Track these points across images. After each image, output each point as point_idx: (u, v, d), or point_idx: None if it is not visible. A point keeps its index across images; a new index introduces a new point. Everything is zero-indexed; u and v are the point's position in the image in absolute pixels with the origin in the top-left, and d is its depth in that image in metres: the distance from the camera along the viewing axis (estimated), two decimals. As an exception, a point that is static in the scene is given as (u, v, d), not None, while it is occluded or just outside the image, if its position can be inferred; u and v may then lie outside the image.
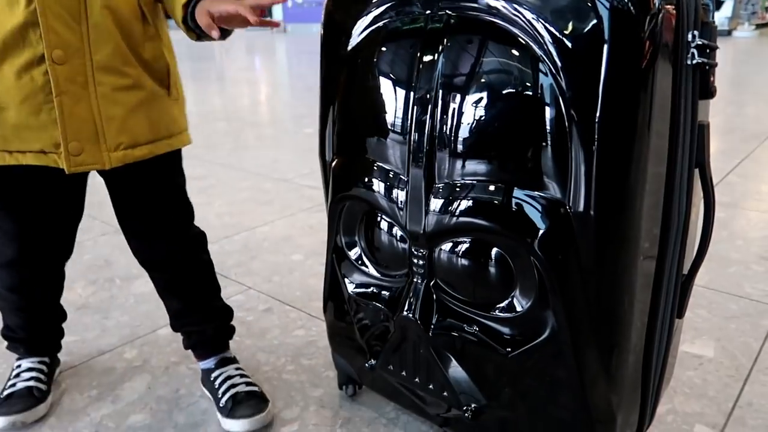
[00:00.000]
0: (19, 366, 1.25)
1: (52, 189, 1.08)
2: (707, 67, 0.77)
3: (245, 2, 0.89)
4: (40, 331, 1.27)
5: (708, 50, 0.76)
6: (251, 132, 2.89)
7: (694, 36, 0.75)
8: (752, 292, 1.57)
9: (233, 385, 1.20)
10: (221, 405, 1.18)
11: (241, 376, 1.23)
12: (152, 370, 1.36)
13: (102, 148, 0.99)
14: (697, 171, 0.82)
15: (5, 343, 1.29)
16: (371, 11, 0.90)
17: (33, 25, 0.89)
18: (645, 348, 0.86)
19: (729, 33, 10.07)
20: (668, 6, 0.72)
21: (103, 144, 0.99)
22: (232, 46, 10.08)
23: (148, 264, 1.21)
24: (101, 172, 1.05)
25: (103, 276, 1.81)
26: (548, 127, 0.74)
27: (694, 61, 0.75)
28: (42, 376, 1.24)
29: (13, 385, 1.21)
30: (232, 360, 1.27)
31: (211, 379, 1.23)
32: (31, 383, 1.21)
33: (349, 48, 0.94)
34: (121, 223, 1.17)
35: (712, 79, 0.79)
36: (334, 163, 1.01)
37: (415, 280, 0.91)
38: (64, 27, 0.91)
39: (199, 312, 1.24)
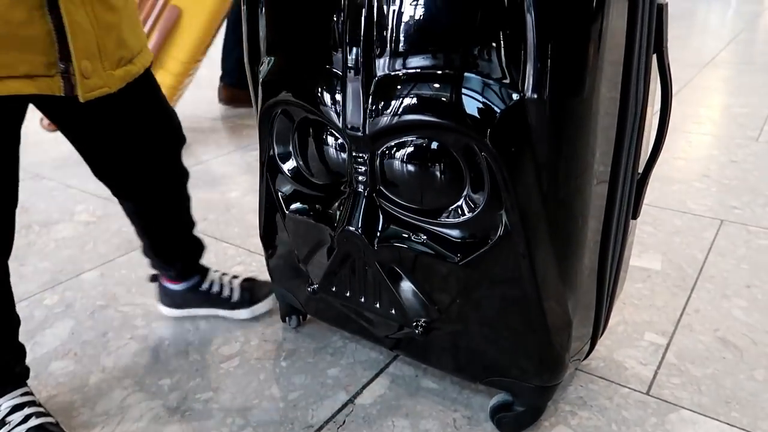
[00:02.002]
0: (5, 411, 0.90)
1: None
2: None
3: None
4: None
5: None
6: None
7: None
8: (695, 207, 1.58)
9: (234, 277, 1.23)
10: (234, 301, 1.19)
11: (224, 274, 1.24)
12: (76, 315, 1.24)
13: (105, 66, 0.80)
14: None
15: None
16: None
17: None
18: (600, 249, 0.81)
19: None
20: None
21: (105, 61, 0.80)
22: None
23: (133, 195, 1.06)
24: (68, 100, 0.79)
25: (20, 223, 1.60)
26: (503, 9, 0.66)
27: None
28: (41, 409, 0.91)
29: None
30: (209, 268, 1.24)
31: (203, 289, 1.19)
32: (34, 421, 0.87)
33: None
34: (95, 156, 0.97)
35: (670, -45, 0.73)
36: (263, 67, 0.90)
37: (357, 189, 0.83)
38: None
39: (178, 244, 1.17)
